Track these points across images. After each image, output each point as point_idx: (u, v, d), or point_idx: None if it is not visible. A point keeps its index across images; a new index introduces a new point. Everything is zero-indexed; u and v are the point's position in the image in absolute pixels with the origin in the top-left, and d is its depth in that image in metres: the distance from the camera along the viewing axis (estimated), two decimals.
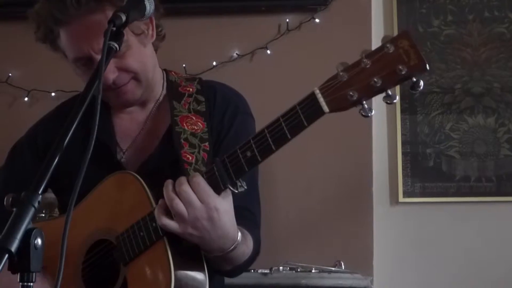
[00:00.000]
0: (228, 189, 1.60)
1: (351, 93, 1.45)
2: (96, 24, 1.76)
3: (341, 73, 1.46)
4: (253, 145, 1.55)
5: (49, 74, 3.08)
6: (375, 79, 1.42)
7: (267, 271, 2.74)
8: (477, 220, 3.12)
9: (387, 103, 1.46)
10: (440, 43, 3.18)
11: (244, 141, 1.56)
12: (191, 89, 1.94)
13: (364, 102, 1.45)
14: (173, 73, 2.01)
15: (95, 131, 1.32)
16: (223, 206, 1.61)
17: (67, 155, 1.33)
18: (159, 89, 1.97)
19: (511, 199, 3.11)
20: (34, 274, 1.16)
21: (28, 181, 1.26)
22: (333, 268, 2.82)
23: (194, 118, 1.87)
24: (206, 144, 1.83)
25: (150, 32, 1.88)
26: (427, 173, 3.13)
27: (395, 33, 2.67)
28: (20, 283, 1.17)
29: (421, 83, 1.43)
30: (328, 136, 2.95)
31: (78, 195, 1.25)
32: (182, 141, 1.81)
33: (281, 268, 2.78)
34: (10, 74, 3.18)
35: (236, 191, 1.60)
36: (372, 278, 2.92)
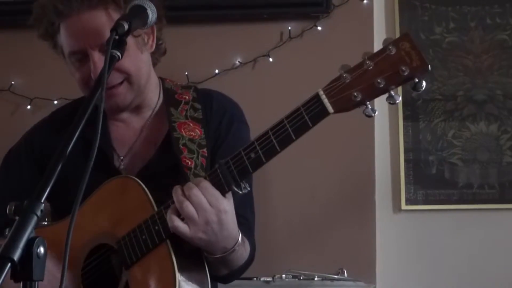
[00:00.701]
0: (231, 191, 1.62)
1: (355, 93, 1.47)
2: (96, 20, 1.79)
3: (344, 75, 1.48)
4: (257, 147, 1.56)
5: (51, 82, 3.08)
6: (378, 80, 1.44)
7: (269, 279, 2.73)
8: (480, 227, 3.11)
9: (390, 103, 1.48)
10: (442, 51, 3.18)
11: (247, 144, 1.58)
12: (187, 97, 1.96)
13: (368, 102, 1.47)
14: (168, 80, 2.03)
15: (98, 137, 1.33)
16: (230, 207, 1.65)
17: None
18: (155, 97, 1.98)
19: None
20: (36, 283, 1.15)
21: (25, 187, 1.26)
22: (336, 276, 2.81)
23: (191, 124, 1.89)
24: (204, 150, 1.85)
25: (150, 42, 1.90)
26: (429, 180, 3.12)
27: None
28: None
29: (424, 83, 1.45)
30: (330, 143, 2.95)
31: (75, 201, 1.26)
32: (181, 146, 1.83)
33: (283, 276, 2.78)
34: (12, 82, 3.18)
35: (240, 192, 1.62)
36: (375, 285, 2.92)
